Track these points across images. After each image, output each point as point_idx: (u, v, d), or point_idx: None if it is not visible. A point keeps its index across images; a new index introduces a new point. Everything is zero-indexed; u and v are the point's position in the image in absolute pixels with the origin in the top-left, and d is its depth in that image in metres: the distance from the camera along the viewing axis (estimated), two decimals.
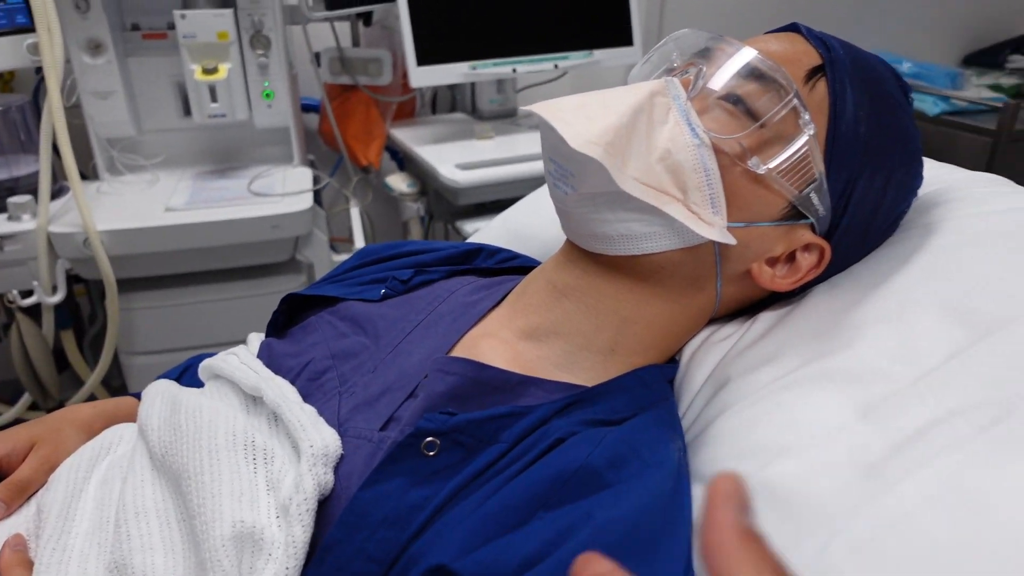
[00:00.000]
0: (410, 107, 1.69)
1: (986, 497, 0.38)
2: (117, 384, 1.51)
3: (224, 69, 1.32)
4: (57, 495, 0.53)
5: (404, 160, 1.67)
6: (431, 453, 0.47)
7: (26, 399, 1.32)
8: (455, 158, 1.38)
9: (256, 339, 0.67)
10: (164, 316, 1.35)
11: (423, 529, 0.45)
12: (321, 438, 0.48)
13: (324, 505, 0.47)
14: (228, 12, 1.30)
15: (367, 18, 1.50)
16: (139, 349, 1.36)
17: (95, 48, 1.31)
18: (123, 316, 1.30)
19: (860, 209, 0.55)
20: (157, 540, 0.48)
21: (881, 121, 0.54)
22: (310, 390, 0.56)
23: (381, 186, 1.60)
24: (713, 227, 0.51)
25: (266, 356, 0.61)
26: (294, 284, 1.40)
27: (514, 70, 1.44)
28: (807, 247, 0.55)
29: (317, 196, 1.65)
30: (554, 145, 0.52)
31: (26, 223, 1.20)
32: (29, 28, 1.22)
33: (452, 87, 1.76)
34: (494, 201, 1.37)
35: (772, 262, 0.56)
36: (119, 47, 1.34)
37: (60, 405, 1.32)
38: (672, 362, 0.60)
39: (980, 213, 0.57)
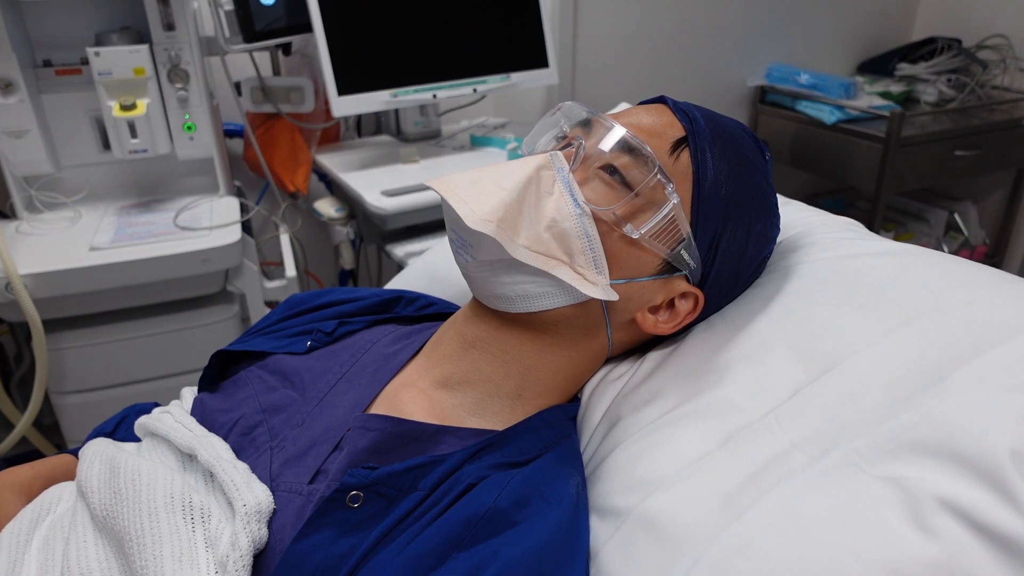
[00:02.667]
0: (335, 132, 1.72)
1: (813, 522, 0.46)
2: (49, 422, 1.50)
3: (143, 105, 1.33)
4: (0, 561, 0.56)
5: (332, 185, 1.70)
6: (355, 505, 0.52)
7: None
8: (381, 183, 1.42)
9: (189, 394, 0.71)
10: (95, 354, 1.35)
11: (352, 574, 0.50)
12: (254, 496, 0.53)
13: (260, 558, 0.51)
14: (144, 48, 1.31)
15: (286, 48, 1.52)
16: (71, 388, 1.36)
17: (6, 87, 1.30)
18: (52, 356, 1.30)
19: (727, 259, 0.63)
20: None
21: (740, 181, 0.62)
22: (242, 445, 0.60)
23: (311, 211, 1.63)
24: (597, 286, 0.58)
25: (199, 412, 0.65)
26: (226, 315, 1.42)
27: (434, 96, 1.49)
28: (683, 295, 0.63)
29: (247, 224, 1.67)
30: (454, 219, 0.58)
31: None
32: None
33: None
34: (423, 223, 1.42)
35: (654, 310, 0.63)
36: (31, 84, 1.33)
37: None
38: (574, 400, 0.67)
39: (828, 258, 0.66)
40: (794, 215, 0.76)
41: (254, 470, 0.56)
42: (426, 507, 0.53)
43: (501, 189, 0.57)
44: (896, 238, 1.77)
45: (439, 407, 0.61)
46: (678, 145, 0.61)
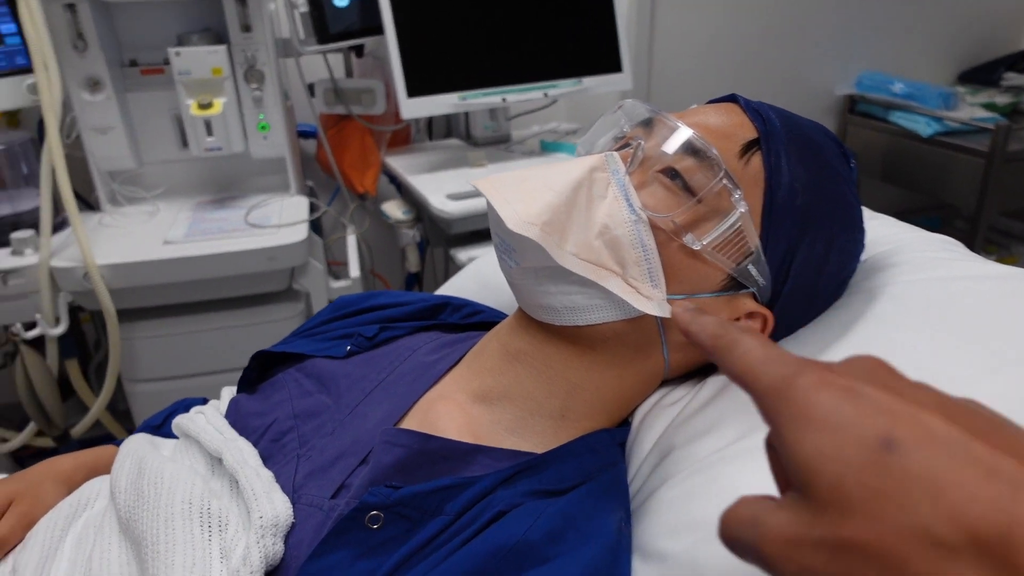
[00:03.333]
0: (405, 134, 1.72)
1: None
2: (123, 408, 1.55)
3: (219, 104, 1.35)
4: (32, 554, 0.55)
5: (400, 187, 1.69)
6: (375, 526, 0.49)
7: (33, 426, 1.36)
8: (447, 187, 1.40)
9: (228, 393, 0.69)
10: (165, 345, 1.38)
11: None
12: (272, 508, 0.50)
13: (274, 573, 0.49)
14: (222, 48, 1.33)
15: (359, 50, 1.53)
16: (142, 376, 1.40)
17: (94, 85, 1.35)
18: (125, 345, 1.34)
19: (802, 276, 0.57)
20: None
21: (820, 189, 0.56)
22: (272, 451, 0.58)
23: (379, 213, 1.63)
24: (652, 300, 0.53)
25: (233, 414, 0.63)
26: (291, 313, 1.43)
27: (504, 99, 1.46)
28: (750, 315, 0.57)
29: (316, 223, 1.69)
30: (496, 221, 0.54)
31: (29, 257, 1.23)
32: (29, 68, 1.26)
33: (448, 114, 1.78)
34: (488, 228, 1.39)
35: None
36: (118, 83, 1.38)
37: (65, 432, 1.37)
38: (624, 425, 0.62)
39: (921, 280, 0.58)
40: (883, 231, 0.68)
41: (278, 479, 0.54)
42: (451, 533, 0.49)
43: (549, 190, 0.52)
44: (999, 261, 1.62)
45: (475, 423, 0.57)
46: (749, 148, 0.56)
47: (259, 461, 0.56)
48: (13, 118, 1.56)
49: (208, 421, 0.62)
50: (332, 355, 0.67)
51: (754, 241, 0.55)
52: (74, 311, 1.37)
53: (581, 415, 0.58)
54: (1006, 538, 0.22)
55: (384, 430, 0.53)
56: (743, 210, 0.54)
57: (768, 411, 0.29)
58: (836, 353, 0.56)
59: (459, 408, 0.58)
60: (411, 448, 0.52)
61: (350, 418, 0.59)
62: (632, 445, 0.60)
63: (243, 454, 0.56)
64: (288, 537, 0.50)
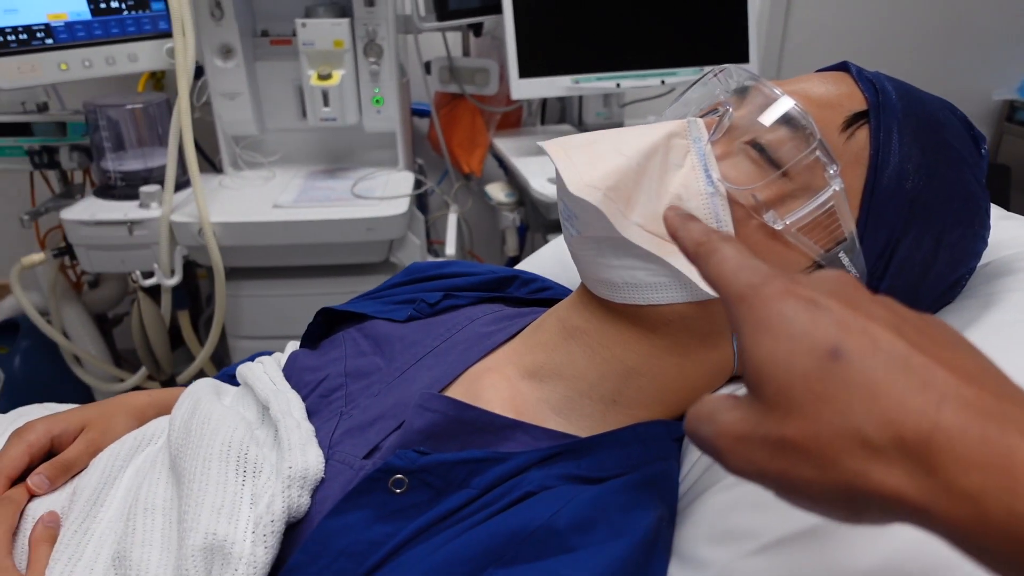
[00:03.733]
0: (516, 116, 1.70)
1: None
2: (226, 362, 1.64)
3: (338, 75, 1.39)
4: (91, 479, 0.57)
5: (507, 169, 1.68)
6: (399, 490, 0.47)
7: (144, 370, 1.46)
8: (550, 171, 1.37)
9: (292, 347, 0.70)
10: (267, 305, 1.44)
11: (379, 565, 0.45)
12: (304, 460, 0.49)
13: (297, 526, 0.48)
14: (345, 22, 1.36)
15: (477, 29, 1.53)
16: (244, 333, 1.46)
17: (226, 52, 1.42)
18: (231, 301, 1.41)
19: (905, 272, 0.49)
20: (157, 537, 0.51)
21: (936, 174, 0.48)
22: (319, 406, 0.58)
23: (482, 193, 1.62)
24: None
25: (290, 368, 0.63)
26: None
27: (618, 85, 1.41)
28: None
29: (422, 200, 1.71)
30: (560, 185, 0.50)
31: (153, 211, 1.32)
32: (170, 33, 1.34)
33: (561, 98, 1.75)
34: None
35: None
36: (248, 52, 1.44)
37: (172, 378, 1.46)
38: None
39: None
40: (1015, 232, 0.58)
41: (318, 434, 0.53)
42: (475, 508, 0.46)
43: (619, 154, 0.48)
44: None
45: (520, 398, 0.53)
46: (855, 121, 0.49)
47: (303, 414, 0.56)
48: (159, 81, 1.68)
49: (265, 371, 0.62)
50: (393, 318, 0.66)
51: (849, 226, 0.48)
52: (190, 266, 1.46)
53: (634, 402, 0.53)
54: (927, 442, 0.24)
55: (421, 394, 0.51)
56: (837, 188, 0.47)
57: (734, 317, 0.30)
58: None
59: (506, 381, 0.55)
60: (446, 414, 0.50)
61: (398, 381, 0.58)
62: (689, 442, 0.55)
63: (289, 405, 0.56)
64: (316, 492, 0.49)
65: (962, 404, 0.24)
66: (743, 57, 1.43)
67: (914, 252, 0.49)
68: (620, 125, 1.63)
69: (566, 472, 0.48)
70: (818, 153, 0.47)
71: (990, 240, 0.54)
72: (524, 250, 1.67)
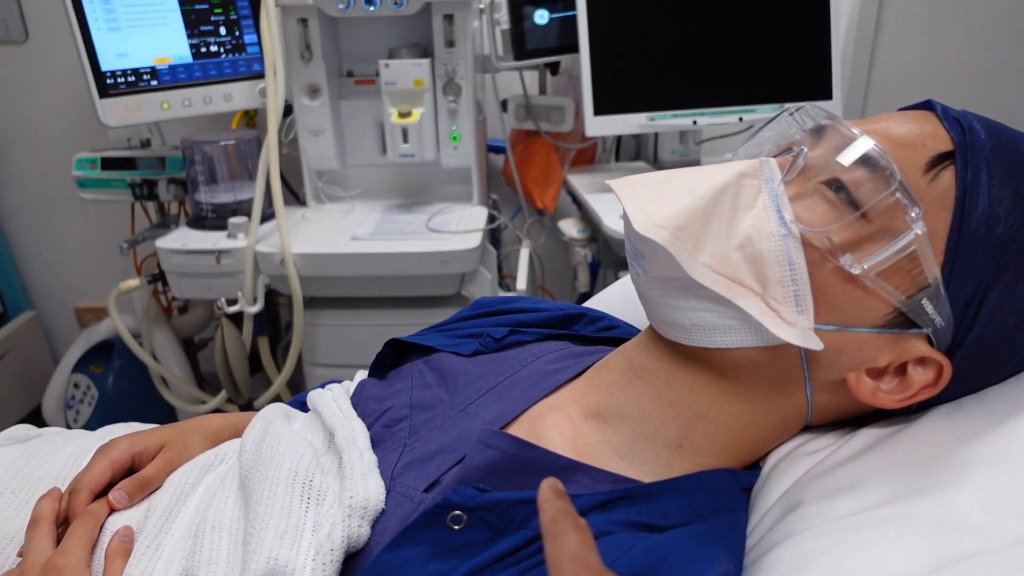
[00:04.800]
0: (590, 153, 1.70)
1: None
2: (302, 389, 1.68)
3: (417, 113, 1.43)
4: (165, 496, 0.60)
5: (580, 206, 1.68)
6: (457, 527, 0.46)
7: (224, 394, 1.52)
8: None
9: (361, 376, 0.71)
10: (342, 334, 1.48)
11: None
12: (365, 490, 0.50)
13: (356, 556, 0.48)
14: (425, 62, 1.41)
15: (554, 67, 1.55)
16: (319, 361, 1.50)
17: (314, 92, 1.49)
18: (308, 329, 1.45)
19: (995, 322, 0.46)
20: (224, 556, 0.52)
21: None
22: (383, 436, 0.58)
23: (555, 229, 1.63)
24: (794, 327, 0.45)
25: (357, 396, 0.64)
26: None
27: (695, 122, 1.40)
28: (921, 361, 0.47)
29: (495, 235, 1.73)
30: (627, 224, 0.50)
31: (240, 241, 1.38)
32: (262, 74, 1.42)
33: (636, 135, 1.75)
34: None
35: (875, 373, 0.48)
36: (334, 91, 1.51)
37: (250, 402, 1.51)
38: (755, 468, 0.54)
39: None
40: None
41: (381, 464, 0.54)
42: (533, 550, 0.45)
43: (688, 193, 0.47)
44: None
45: (582, 439, 0.53)
46: (939, 161, 0.46)
47: (367, 443, 0.56)
48: (251, 119, 1.77)
49: (333, 398, 0.63)
50: (459, 352, 0.66)
51: (933, 272, 0.45)
52: (271, 294, 1.52)
53: (700, 448, 0.51)
54: None
55: (482, 430, 0.51)
56: (920, 232, 0.45)
57: None
58: None
59: (569, 422, 0.54)
60: (506, 452, 0.49)
61: (461, 415, 0.58)
62: (758, 492, 0.52)
63: (354, 434, 0.57)
64: (376, 523, 0.49)
65: None
66: (826, 94, 1.40)
67: (1007, 301, 0.46)
68: (696, 162, 1.61)
69: (627, 518, 0.47)
70: (898, 195, 0.45)
71: None
72: (595, 286, 1.66)
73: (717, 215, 0.47)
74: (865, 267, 0.45)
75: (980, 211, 0.45)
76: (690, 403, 0.51)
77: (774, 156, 0.52)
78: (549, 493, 0.36)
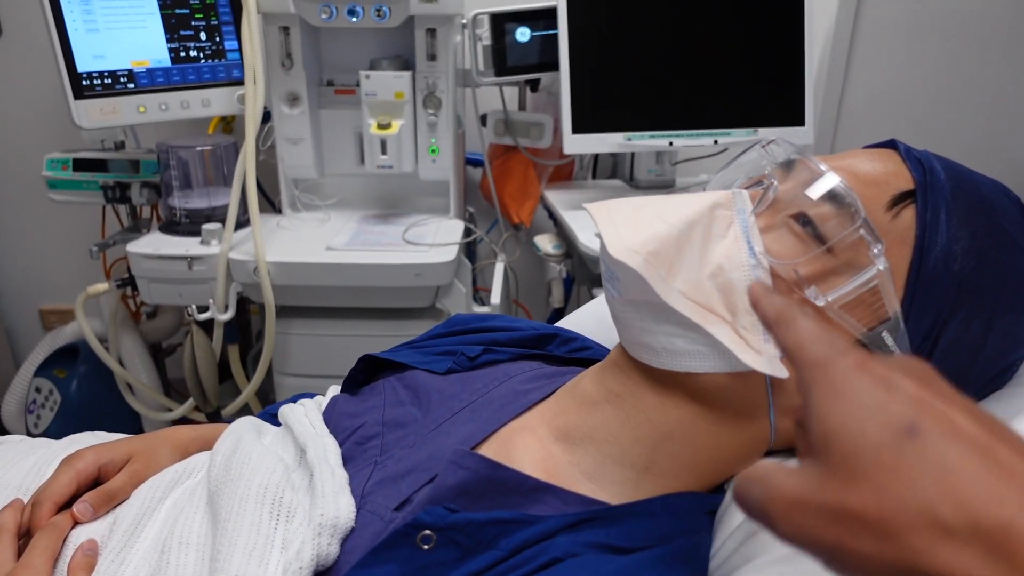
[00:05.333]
0: (568, 170, 1.72)
1: None
2: (271, 398, 1.67)
3: (396, 125, 1.44)
4: (131, 510, 0.59)
5: (556, 222, 1.70)
6: (426, 547, 0.47)
7: (191, 402, 1.50)
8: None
9: (334, 391, 0.71)
10: (314, 343, 1.47)
11: None
12: (335, 508, 0.50)
13: (325, 574, 0.48)
14: (407, 74, 1.42)
15: (534, 84, 1.56)
16: (290, 371, 1.49)
17: (293, 100, 1.49)
18: (280, 338, 1.44)
19: (952, 355, 0.48)
20: (190, 572, 0.51)
21: (985, 258, 0.47)
22: (354, 454, 0.58)
23: (531, 244, 1.64)
24: (761, 356, 0.47)
25: (330, 412, 0.64)
26: None
27: (671, 143, 1.42)
28: None
29: (471, 248, 1.73)
30: (602, 247, 0.51)
31: (213, 248, 1.37)
32: (242, 81, 1.42)
33: (614, 153, 1.77)
34: None
35: None
36: (313, 100, 1.51)
37: (217, 411, 1.49)
38: (719, 491, 0.56)
39: None
40: None
41: (352, 482, 0.54)
42: (501, 570, 0.46)
43: (661, 221, 0.48)
44: None
45: (552, 461, 0.53)
46: (901, 200, 0.48)
47: (339, 460, 0.56)
48: (228, 125, 1.76)
49: (305, 413, 0.63)
50: (432, 369, 0.67)
51: (893, 306, 0.47)
52: (242, 302, 1.50)
53: (667, 471, 0.52)
54: (1006, 529, 0.23)
55: (454, 450, 0.51)
56: (882, 267, 0.46)
57: (806, 383, 0.30)
58: None
59: (539, 442, 0.55)
60: (477, 473, 0.50)
61: (432, 434, 0.58)
62: (722, 515, 0.53)
63: (326, 451, 0.57)
64: (346, 541, 0.50)
65: None
66: (799, 120, 1.43)
67: (962, 335, 0.48)
68: (672, 183, 1.63)
69: (595, 540, 0.47)
70: (862, 231, 0.46)
71: None
72: (569, 302, 1.67)
73: (691, 243, 0.48)
74: (829, 299, 0.47)
75: (939, 249, 0.47)
76: (658, 425, 0.52)
77: (745, 188, 0.53)
78: (761, 290, 0.36)
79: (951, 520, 0.24)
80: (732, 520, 0.52)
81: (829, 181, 0.48)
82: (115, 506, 0.63)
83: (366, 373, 0.72)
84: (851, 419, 0.27)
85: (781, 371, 0.47)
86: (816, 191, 0.48)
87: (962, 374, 0.49)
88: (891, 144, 0.53)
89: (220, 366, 1.47)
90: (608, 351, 0.70)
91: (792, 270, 0.48)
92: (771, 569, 0.44)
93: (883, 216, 0.48)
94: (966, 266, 0.47)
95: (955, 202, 0.48)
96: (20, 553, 0.54)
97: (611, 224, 0.48)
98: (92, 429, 0.78)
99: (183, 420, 1.53)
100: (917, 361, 0.30)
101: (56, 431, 1.67)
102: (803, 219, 0.49)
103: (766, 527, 0.29)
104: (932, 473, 0.25)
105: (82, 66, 1.32)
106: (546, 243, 1.54)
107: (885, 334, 0.47)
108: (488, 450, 0.55)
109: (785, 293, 0.48)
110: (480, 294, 1.75)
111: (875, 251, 0.47)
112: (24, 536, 0.56)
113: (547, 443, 0.55)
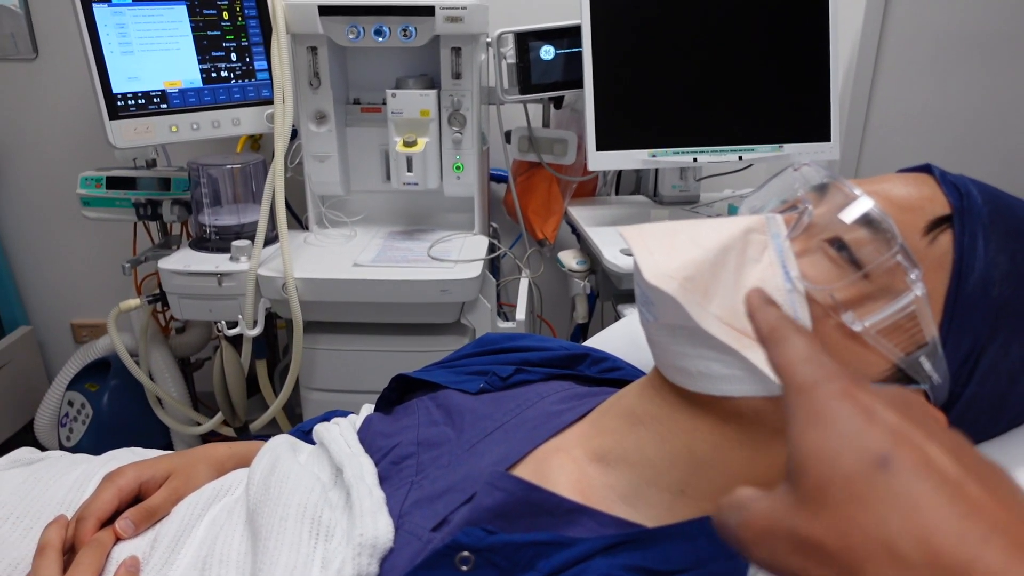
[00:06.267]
0: (591, 186, 1.73)
1: None
2: (298, 412, 1.68)
3: (422, 143, 1.45)
4: (171, 526, 0.60)
5: (580, 238, 1.70)
6: (465, 567, 0.47)
7: (220, 416, 1.52)
8: (623, 242, 1.38)
9: (367, 410, 0.72)
10: (340, 359, 1.48)
11: None
12: (374, 528, 0.50)
13: None
14: (432, 93, 1.43)
15: (558, 101, 1.57)
16: (316, 385, 1.51)
17: (320, 118, 1.51)
18: (307, 354, 1.45)
19: (989, 381, 0.48)
20: None
21: None
22: (390, 473, 0.59)
23: (555, 260, 1.64)
24: None
25: (364, 431, 0.65)
26: (457, 345, 1.47)
27: (695, 159, 1.42)
28: None
29: (495, 264, 1.74)
30: (637, 271, 0.51)
31: (242, 264, 1.39)
32: (271, 100, 1.44)
33: (637, 169, 1.77)
34: None
35: None
36: (340, 118, 1.53)
37: (246, 425, 1.51)
38: None
39: None
40: None
41: (389, 501, 0.54)
42: None
43: (696, 246, 0.49)
44: None
45: (587, 483, 0.54)
46: (937, 224, 0.48)
47: (375, 480, 0.57)
48: (256, 142, 1.79)
49: (340, 433, 0.64)
50: (465, 389, 0.67)
51: (931, 331, 0.47)
52: (270, 317, 1.52)
53: (703, 494, 0.53)
54: (966, 567, 0.23)
55: (491, 472, 0.52)
56: (919, 293, 0.46)
57: (789, 406, 0.31)
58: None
59: (574, 464, 0.55)
60: (514, 495, 0.50)
61: (467, 454, 0.59)
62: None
63: (362, 470, 0.57)
64: (384, 561, 0.50)
65: (1011, 543, 0.23)
66: (824, 135, 1.43)
67: (1000, 360, 0.48)
68: (696, 199, 1.63)
69: (631, 563, 0.48)
70: (899, 257, 0.47)
71: None
72: (593, 317, 1.67)
73: (725, 268, 0.49)
74: (866, 325, 0.47)
75: (976, 274, 0.47)
76: (692, 449, 0.53)
77: (779, 212, 0.54)
78: (759, 301, 0.35)
79: (911, 555, 0.24)
80: None
81: (864, 205, 0.48)
82: (155, 522, 0.64)
83: (399, 392, 0.73)
84: (827, 446, 0.27)
85: None
86: (851, 215, 0.48)
87: (1000, 400, 0.49)
88: (925, 168, 0.53)
89: (248, 380, 1.49)
90: (640, 372, 0.71)
91: (828, 295, 0.48)
92: None
93: (919, 241, 0.48)
94: (1005, 291, 0.47)
95: (993, 226, 0.48)
96: (65, 569, 0.55)
97: (646, 249, 0.49)
98: (123, 442, 0.80)
99: (211, 434, 1.55)
100: (908, 392, 0.30)
101: (88, 444, 1.70)
102: (838, 244, 0.49)
103: (740, 551, 0.30)
104: (898, 506, 0.25)
105: (117, 87, 1.35)
106: (570, 259, 1.55)
107: (923, 359, 0.47)
108: (524, 471, 0.55)
109: (821, 318, 0.48)
110: (504, 309, 1.76)
111: (912, 276, 0.47)
112: (68, 552, 0.58)
113: (582, 464, 0.55)
